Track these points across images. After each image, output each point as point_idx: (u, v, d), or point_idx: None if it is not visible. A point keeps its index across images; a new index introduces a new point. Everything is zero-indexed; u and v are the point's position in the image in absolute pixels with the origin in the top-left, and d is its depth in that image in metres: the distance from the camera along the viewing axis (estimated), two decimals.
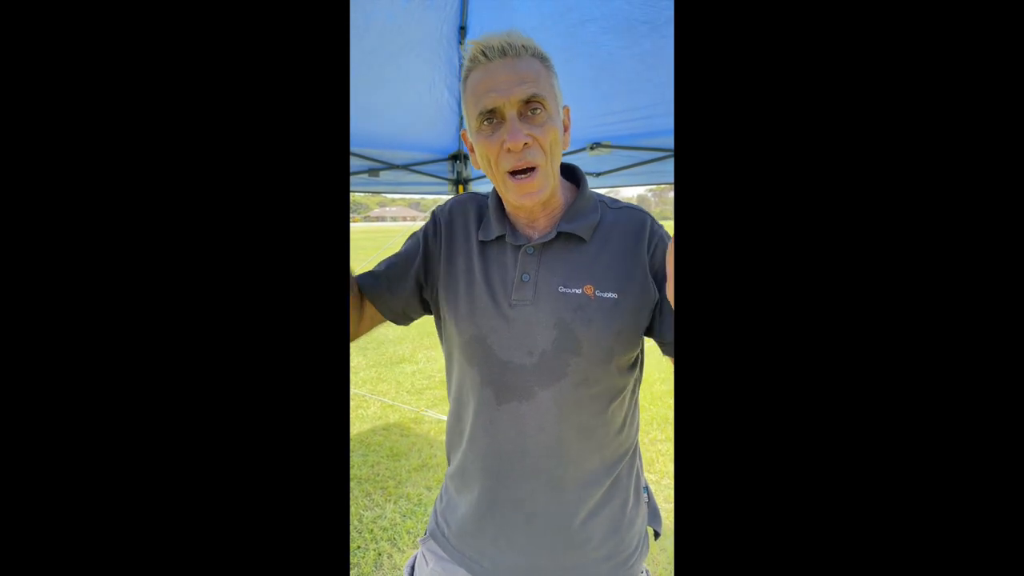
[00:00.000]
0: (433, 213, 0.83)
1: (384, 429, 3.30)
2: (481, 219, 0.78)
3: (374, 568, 1.96)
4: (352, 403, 3.74)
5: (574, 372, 0.69)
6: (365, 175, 2.45)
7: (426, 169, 2.72)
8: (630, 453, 0.77)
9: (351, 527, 2.21)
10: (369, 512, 2.34)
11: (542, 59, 0.68)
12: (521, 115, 0.66)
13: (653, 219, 0.76)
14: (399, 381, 4.36)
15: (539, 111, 0.66)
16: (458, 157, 2.80)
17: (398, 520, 2.26)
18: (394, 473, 2.69)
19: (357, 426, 3.36)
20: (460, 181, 2.86)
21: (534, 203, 0.70)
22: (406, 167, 2.61)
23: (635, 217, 0.75)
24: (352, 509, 2.34)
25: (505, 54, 0.65)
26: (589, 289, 0.70)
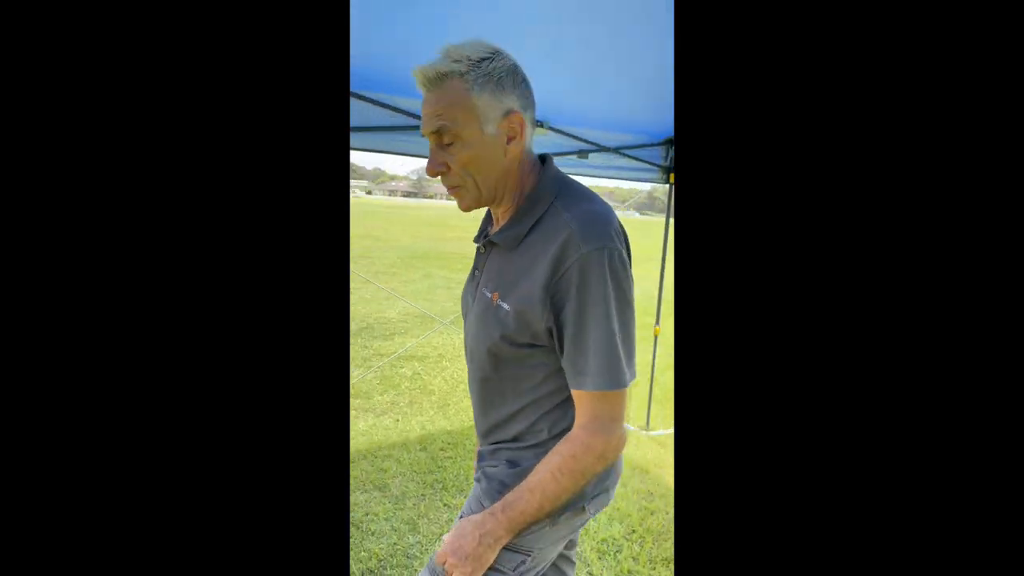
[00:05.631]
0: None
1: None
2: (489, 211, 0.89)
3: None
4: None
5: (479, 357, 0.83)
6: (574, 156, 2.35)
7: (636, 154, 2.52)
8: (538, 451, 0.81)
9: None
10: None
11: (468, 77, 0.71)
12: (438, 144, 0.75)
13: (579, 237, 0.71)
14: None
15: (452, 141, 0.73)
16: (672, 143, 2.53)
17: None
18: None
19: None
20: (672, 169, 2.59)
21: (467, 209, 0.81)
22: (616, 150, 2.45)
23: (560, 233, 0.73)
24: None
25: (429, 87, 0.72)
26: (496, 296, 0.78)
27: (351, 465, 2.45)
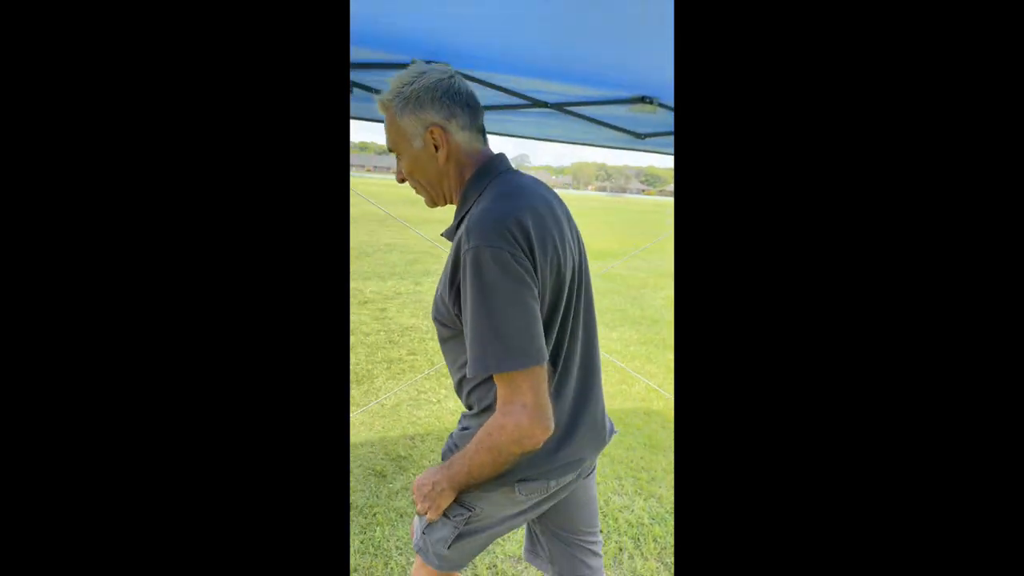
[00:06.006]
0: None
1: (645, 414, 3.11)
2: None
3: (613, 562, 1.82)
4: (617, 376, 3.66)
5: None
6: None
7: None
8: (479, 420, 0.90)
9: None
10: (618, 498, 2.20)
11: (393, 105, 0.88)
12: (397, 159, 0.94)
13: (466, 236, 0.80)
14: (670, 366, 4.07)
15: (397, 156, 0.93)
16: None
17: (645, 520, 2.06)
18: (648, 466, 2.48)
19: (619, 402, 3.26)
20: None
21: (433, 207, 0.99)
22: None
23: (463, 230, 0.82)
24: (600, 489, 2.24)
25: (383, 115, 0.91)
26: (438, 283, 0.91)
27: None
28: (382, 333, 4.13)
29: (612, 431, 1.02)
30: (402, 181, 0.96)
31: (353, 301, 4.99)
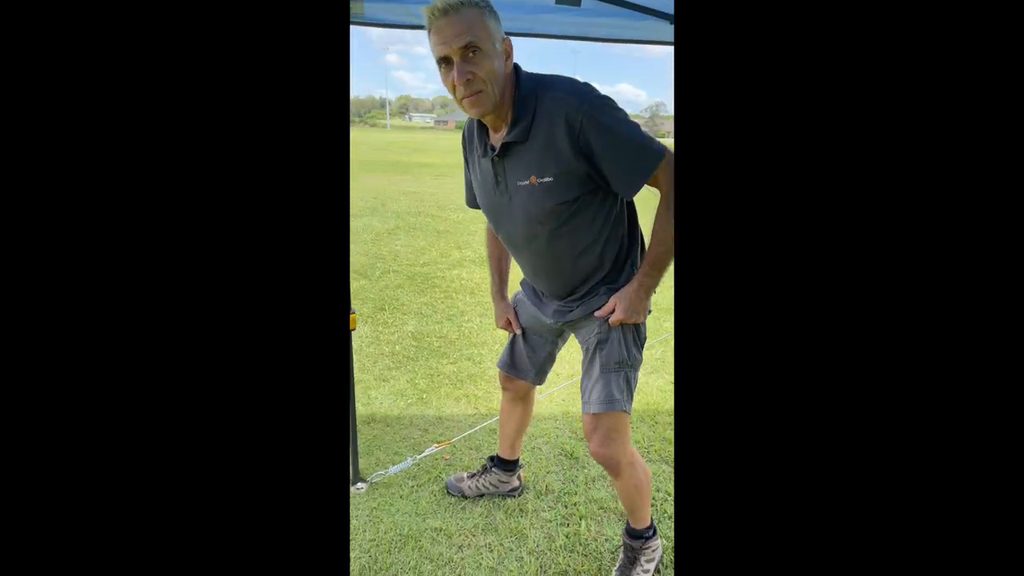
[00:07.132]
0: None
1: None
2: (477, 135, 1.23)
3: None
4: None
5: (542, 232, 1.20)
6: None
7: None
8: (623, 272, 1.28)
9: None
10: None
11: (479, 7, 1.03)
12: (464, 58, 1.04)
13: (576, 101, 1.06)
14: None
15: (475, 53, 1.04)
16: None
17: None
18: None
19: None
20: None
21: (483, 114, 1.12)
22: None
23: (558, 106, 1.07)
24: None
25: (447, 13, 1.01)
26: (533, 179, 1.13)
27: (632, 429, 2.25)
28: None
29: None
30: (464, 82, 1.04)
31: None
